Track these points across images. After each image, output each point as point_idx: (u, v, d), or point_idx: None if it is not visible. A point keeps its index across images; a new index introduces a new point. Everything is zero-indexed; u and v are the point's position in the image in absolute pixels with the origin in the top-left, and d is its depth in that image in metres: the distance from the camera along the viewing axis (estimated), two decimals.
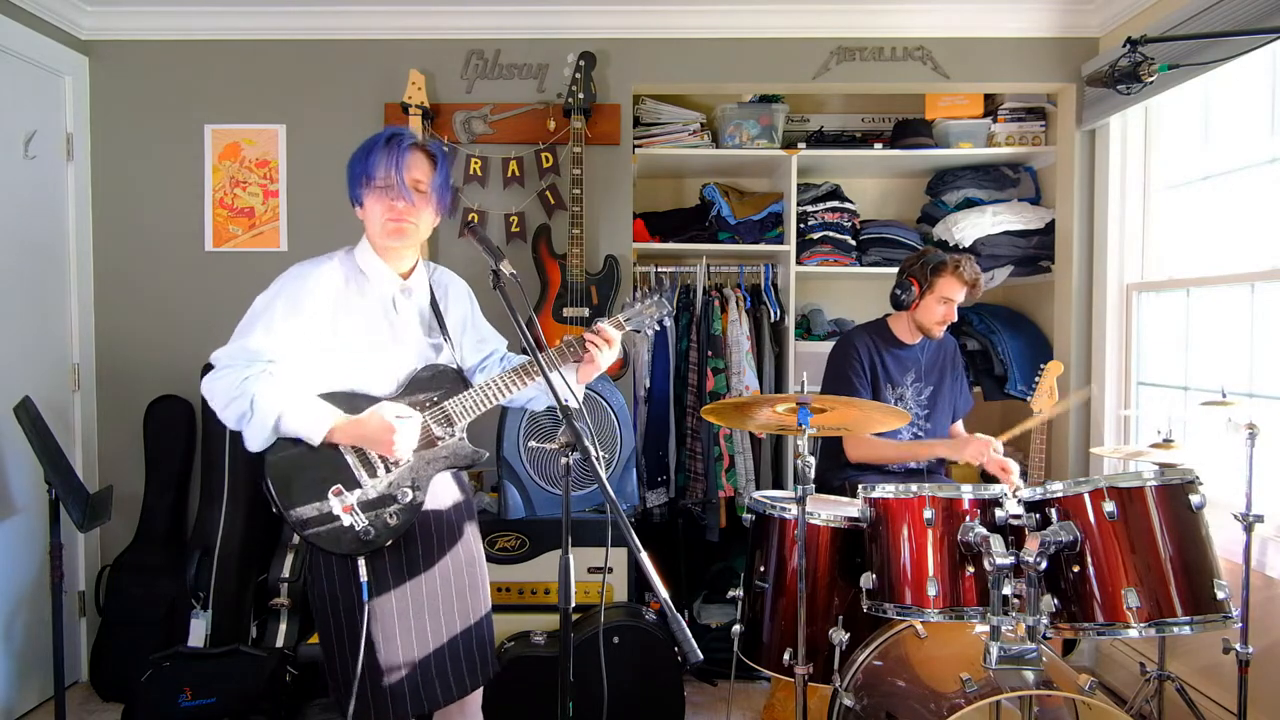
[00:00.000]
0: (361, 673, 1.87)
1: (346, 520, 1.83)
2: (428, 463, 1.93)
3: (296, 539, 3.04)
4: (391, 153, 1.89)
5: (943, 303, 2.85)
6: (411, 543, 1.95)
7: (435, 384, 1.97)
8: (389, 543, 1.88)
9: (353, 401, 1.89)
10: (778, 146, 3.68)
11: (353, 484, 1.86)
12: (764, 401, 2.33)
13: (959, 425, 3.11)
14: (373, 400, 1.90)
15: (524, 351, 1.95)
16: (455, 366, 2.04)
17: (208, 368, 3.28)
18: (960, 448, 2.76)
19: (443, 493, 2.02)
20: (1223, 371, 2.83)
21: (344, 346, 1.90)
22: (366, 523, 1.84)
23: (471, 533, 2.08)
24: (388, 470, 1.89)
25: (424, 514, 1.95)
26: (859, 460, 2.90)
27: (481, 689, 2.08)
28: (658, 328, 2.12)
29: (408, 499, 1.89)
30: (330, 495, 1.84)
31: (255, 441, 1.83)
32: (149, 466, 3.38)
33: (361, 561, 1.85)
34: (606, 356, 1.98)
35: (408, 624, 1.93)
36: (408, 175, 1.89)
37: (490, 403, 1.96)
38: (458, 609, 2.00)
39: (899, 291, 2.92)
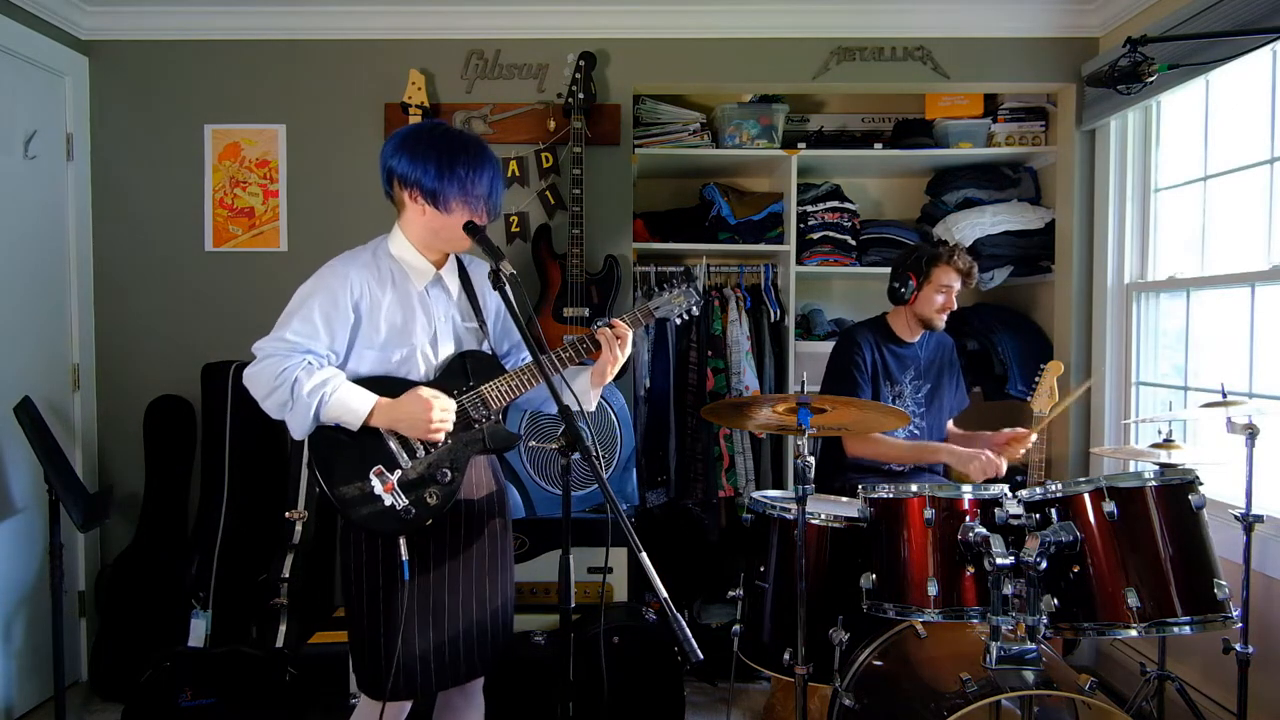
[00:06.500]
0: (384, 648, 1.93)
1: (388, 500, 1.89)
2: (465, 444, 1.97)
3: (296, 539, 3.04)
4: (497, 176, 1.98)
5: (941, 292, 2.88)
6: (442, 528, 1.99)
7: (471, 369, 2.03)
8: (429, 522, 1.92)
9: (390, 387, 1.94)
10: (778, 146, 3.68)
11: (393, 465, 1.92)
12: (764, 401, 2.33)
13: (950, 424, 3.11)
14: (409, 385, 1.95)
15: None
16: (490, 352, 2.11)
17: (208, 368, 3.33)
18: (967, 461, 2.74)
19: (479, 481, 2.07)
20: (1223, 371, 2.83)
21: (381, 335, 1.96)
22: (407, 502, 1.90)
23: (502, 525, 2.13)
24: (427, 451, 1.94)
25: (459, 501, 1.99)
26: (856, 456, 2.90)
27: (483, 676, 2.14)
28: (685, 316, 2.18)
29: (447, 479, 1.93)
30: (372, 475, 1.89)
31: (298, 429, 1.88)
32: (149, 466, 3.38)
33: (402, 541, 1.90)
34: (621, 355, 2.02)
35: (428, 607, 1.97)
36: (496, 192, 2.00)
37: (524, 388, 2.02)
38: (476, 596, 2.04)
39: (897, 285, 2.94)
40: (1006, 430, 2.87)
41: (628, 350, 2.04)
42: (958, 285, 2.89)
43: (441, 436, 1.93)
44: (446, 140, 1.94)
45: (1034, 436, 2.79)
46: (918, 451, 2.85)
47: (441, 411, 1.90)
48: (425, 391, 1.90)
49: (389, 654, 1.92)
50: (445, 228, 1.96)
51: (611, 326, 2.01)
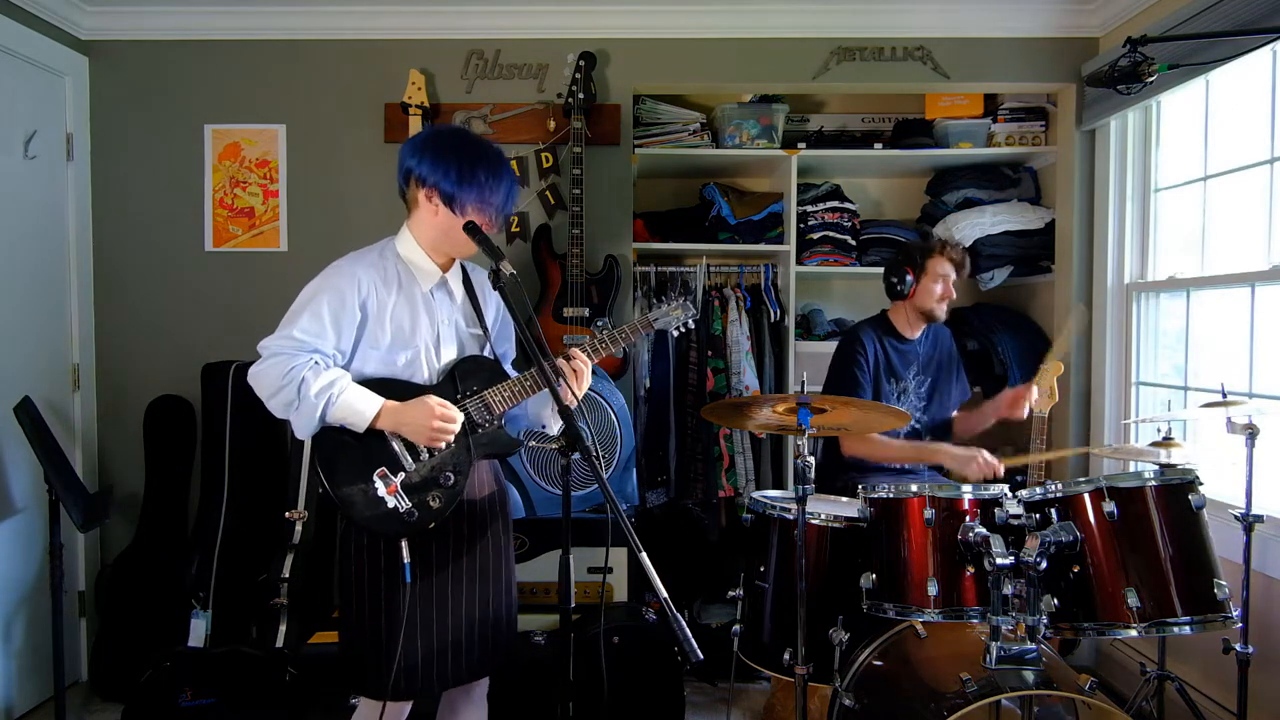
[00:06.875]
0: (385, 648, 1.93)
1: (391, 502, 1.90)
2: (468, 449, 1.98)
3: (296, 539, 3.04)
4: (513, 187, 2.01)
5: (939, 281, 2.94)
6: (444, 530, 2.00)
7: (475, 373, 2.04)
8: (431, 525, 1.93)
9: (394, 389, 1.94)
10: (778, 146, 3.68)
11: (397, 467, 1.92)
12: (764, 401, 2.33)
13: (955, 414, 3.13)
14: (413, 388, 1.96)
15: (523, 352, 1.98)
16: (493, 357, 2.12)
17: (208, 368, 3.33)
18: (965, 463, 2.75)
19: (480, 483, 2.08)
20: (1223, 371, 2.83)
21: (386, 336, 1.97)
22: (410, 505, 1.90)
23: (503, 526, 2.13)
24: (431, 455, 1.95)
25: (461, 502, 1.99)
26: (853, 455, 2.91)
27: (488, 677, 2.16)
28: (682, 329, 2.23)
29: (450, 482, 1.94)
30: (375, 477, 1.90)
31: (303, 429, 1.89)
32: (149, 466, 3.38)
33: (404, 543, 1.91)
34: (579, 388, 2.04)
35: (429, 607, 1.98)
36: (510, 203, 2.03)
37: (527, 394, 2.03)
38: (479, 597, 2.05)
39: (894, 281, 2.98)
40: (1007, 392, 2.93)
41: (586, 382, 2.05)
42: (953, 274, 2.96)
43: (444, 444, 1.94)
44: (469, 146, 1.97)
45: (1035, 392, 2.84)
46: (916, 452, 2.86)
47: (445, 422, 1.90)
48: (433, 399, 1.91)
49: (389, 654, 1.92)
50: (455, 229, 1.97)
51: (570, 358, 2.03)
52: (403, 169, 2.00)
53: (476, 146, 1.98)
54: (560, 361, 2.01)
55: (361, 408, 1.88)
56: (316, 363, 1.89)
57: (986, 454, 2.73)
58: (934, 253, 2.95)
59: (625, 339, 2.11)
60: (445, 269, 2.05)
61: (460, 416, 1.94)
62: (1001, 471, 2.73)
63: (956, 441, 3.03)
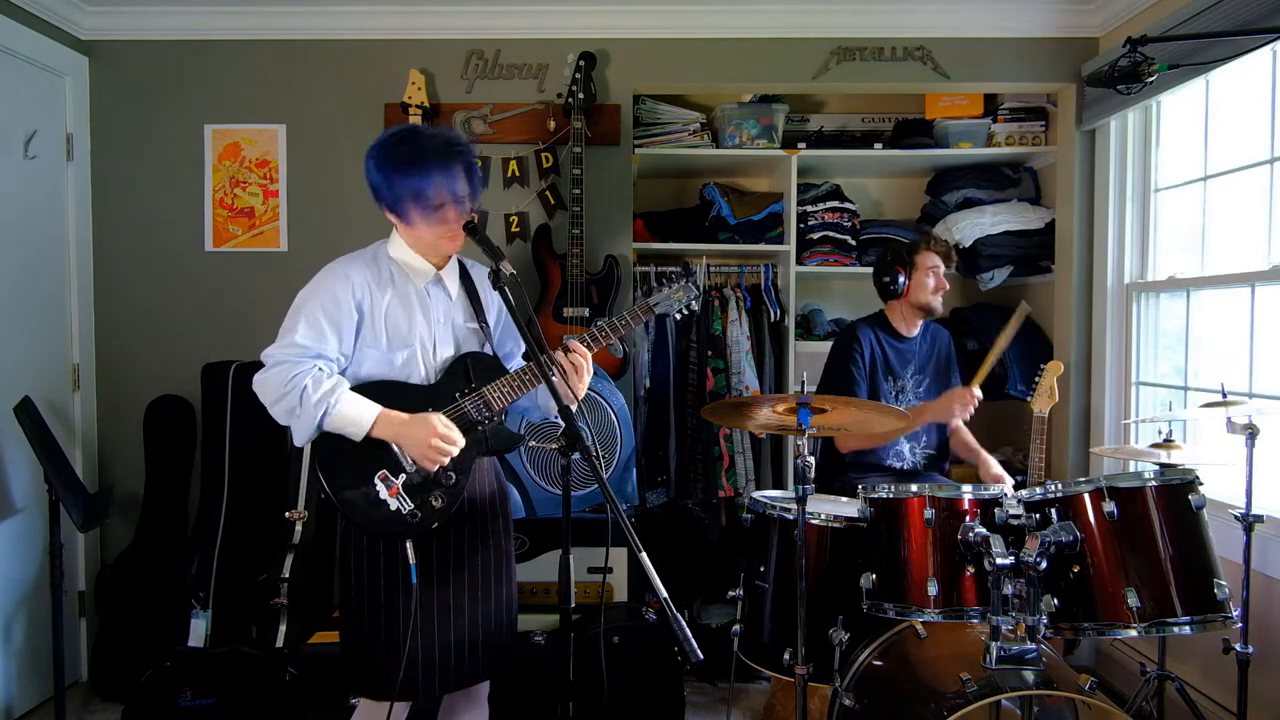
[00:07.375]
0: (386, 650, 1.92)
1: (393, 504, 1.89)
2: (469, 446, 1.97)
3: (296, 539, 3.04)
4: (451, 176, 1.89)
5: (930, 274, 2.99)
6: (445, 530, 1.99)
7: (474, 370, 2.03)
8: (435, 525, 1.92)
9: (393, 390, 1.94)
10: (778, 146, 3.68)
11: (398, 469, 1.92)
12: (764, 401, 2.33)
13: (958, 421, 3.13)
14: (411, 389, 1.95)
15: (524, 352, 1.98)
16: (493, 354, 2.11)
17: (208, 368, 3.33)
18: (945, 408, 2.86)
19: (481, 482, 2.07)
20: (1223, 371, 2.83)
21: (382, 336, 1.96)
22: (413, 506, 1.90)
23: (504, 525, 2.13)
24: None
25: (462, 502, 1.99)
26: (849, 449, 2.93)
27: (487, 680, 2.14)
28: (686, 311, 2.19)
29: (451, 481, 1.94)
30: (376, 480, 1.90)
31: (301, 436, 1.89)
32: (149, 466, 3.38)
33: (409, 544, 1.91)
34: (580, 385, 2.01)
35: (431, 608, 1.97)
36: (461, 189, 1.92)
37: (526, 389, 2.01)
38: (481, 598, 2.04)
39: (887, 280, 3.01)
40: (994, 468, 3.01)
41: (587, 376, 2.02)
42: (942, 265, 3.00)
43: (435, 468, 1.91)
44: (395, 147, 1.89)
45: (1000, 470, 2.98)
46: (906, 423, 2.91)
47: (445, 443, 1.88)
48: (436, 418, 1.90)
49: (392, 656, 1.92)
50: (419, 239, 1.97)
51: (568, 350, 1.99)
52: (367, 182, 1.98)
53: (402, 145, 1.89)
54: (559, 354, 1.99)
55: (357, 418, 1.87)
56: (320, 369, 1.89)
57: (960, 390, 2.86)
58: (921, 247, 3.00)
59: (625, 325, 2.09)
60: (440, 267, 2.04)
61: (461, 441, 1.92)
62: (979, 393, 2.86)
63: (952, 457, 3.11)
